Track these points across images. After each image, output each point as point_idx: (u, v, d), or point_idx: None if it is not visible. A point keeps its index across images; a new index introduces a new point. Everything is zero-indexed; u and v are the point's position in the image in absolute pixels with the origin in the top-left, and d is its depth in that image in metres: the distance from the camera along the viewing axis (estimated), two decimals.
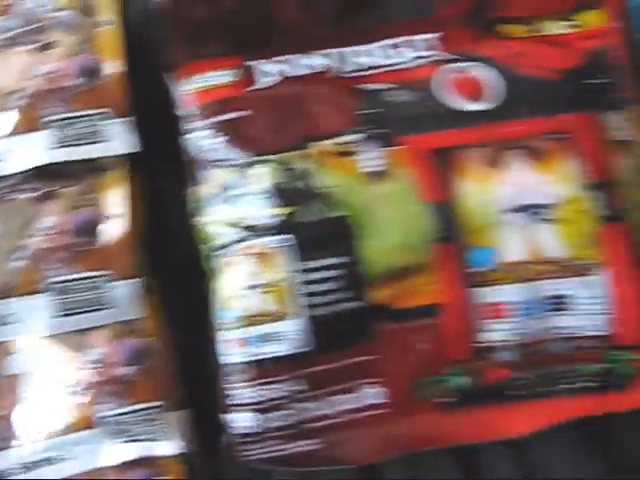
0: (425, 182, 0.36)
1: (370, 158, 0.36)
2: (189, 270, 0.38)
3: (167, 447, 0.35)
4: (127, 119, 0.37)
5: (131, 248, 0.36)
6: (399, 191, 0.36)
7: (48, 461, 0.34)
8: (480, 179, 0.36)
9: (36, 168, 0.36)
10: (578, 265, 0.36)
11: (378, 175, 0.36)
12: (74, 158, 0.36)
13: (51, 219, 0.36)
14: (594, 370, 0.36)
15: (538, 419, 0.36)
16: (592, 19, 0.40)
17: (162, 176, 0.39)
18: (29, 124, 0.37)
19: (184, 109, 0.38)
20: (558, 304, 0.36)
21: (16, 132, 0.37)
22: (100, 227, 0.36)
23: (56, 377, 0.35)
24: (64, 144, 0.36)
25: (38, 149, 0.36)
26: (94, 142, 0.36)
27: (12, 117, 0.37)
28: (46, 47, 0.37)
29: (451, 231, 0.36)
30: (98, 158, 0.37)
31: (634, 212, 0.37)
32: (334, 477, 0.36)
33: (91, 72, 0.37)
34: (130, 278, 0.35)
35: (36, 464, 0.35)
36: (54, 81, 0.37)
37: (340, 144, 0.36)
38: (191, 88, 0.37)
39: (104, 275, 0.35)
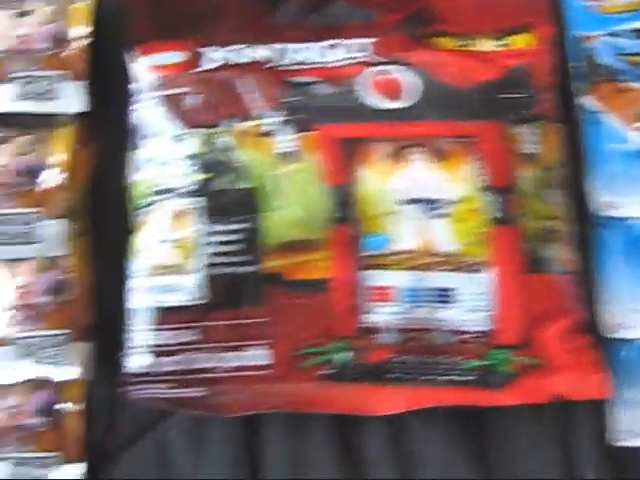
0: (330, 166, 0.39)
1: (285, 140, 0.40)
2: (120, 225, 0.42)
3: (66, 372, 0.39)
4: (82, 82, 0.42)
5: (65, 193, 0.40)
6: (304, 171, 0.39)
7: None
8: (381, 170, 0.39)
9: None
10: (466, 261, 0.38)
11: (289, 156, 0.39)
12: (30, 110, 0.41)
13: None
14: (474, 365, 0.38)
15: (412, 402, 0.38)
16: (521, 41, 0.42)
17: (110, 140, 0.43)
18: None
19: (136, 82, 0.42)
20: (443, 296, 0.38)
21: None
22: (40, 172, 0.41)
23: None
24: (24, 98, 0.41)
25: (2, 99, 0.42)
26: (49, 99, 0.41)
27: None
28: (25, 14, 0.43)
29: (348, 213, 0.39)
30: (52, 114, 0.42)
31: (528, 220, 0.39)
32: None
33: (59, 40, 0.43)
34: (59, 218, 0.40)
35: None
36: (25, 43, 0.42)
37: (260, 125, 0.40)
38: (145, 64, 0.42)
39: (36, 213, 0.40)
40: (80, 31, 0.43)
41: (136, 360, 0.38)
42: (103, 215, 0.43)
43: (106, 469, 0.40)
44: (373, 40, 0.42)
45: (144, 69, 0.42)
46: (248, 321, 0.38)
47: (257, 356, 0.38)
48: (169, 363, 0.38)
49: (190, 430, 0.40)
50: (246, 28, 0.43)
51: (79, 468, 0.39)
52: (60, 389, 0.39)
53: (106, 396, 0.40)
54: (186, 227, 0.39)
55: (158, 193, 0.40)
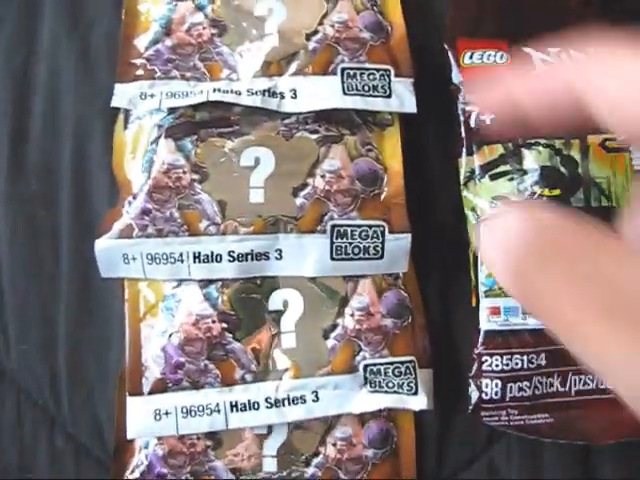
0: None
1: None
2: (446, 234, 0.38)
3: (416, 402, 0.36)
4: (409, 80, 0.37)
5: (404, 204, 0.36)
6: None
7: (301, 399, 0.35)
8: None
9: (322, 110, 0.36)
10: None
11: None
12: (359, 107, 0.36)
13: (334, 162, 0.36)
14: None
15: None
16: None
17: (428, 140, 0.39)
18: (322, 67, 0.37)
19: (457, 80, 0.38)
20: None
21: (308, 72, 0.37)
22: (378, 179, 0.36)
23: (318, 318, 0.36)
24: (351, 92, 0.36)
25: (329, 92, 0.36)
26: (377, 96, 0.37)
27: (306, 57, 0.37)
28: None
29: None
30: (379, 112, 0.37)
31: None
32: None
33: (377, 29, 0.38)
34: (403, 232, 0.36)
35: (285, 401, 0.35)
36: (345, 31, 0.37)
37: (611, 140, 0.38)
38: (466, 62, 0.38)
39: (381, 226, 0.36)
40: (394, 20, 0.38)
41: (486, 385, 0.36)
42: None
43: None
44: None
45: (465, 67, 0.38)
46: None
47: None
48: (517, 388, 0.36)
49: (521, 454, 0.38)
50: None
51: None
52: (393, 418, 0.36)
53: (434, 421, 0.38)
54: None
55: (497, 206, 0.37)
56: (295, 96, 0.36)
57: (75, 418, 0.38)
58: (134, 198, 0.36)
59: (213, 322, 0.35)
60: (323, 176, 0.36)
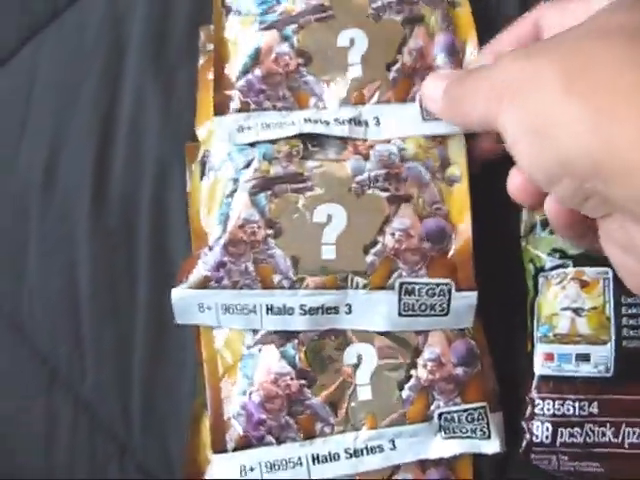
0: None
1: None
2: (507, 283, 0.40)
3: (489, 446, 0.37)
4: None
5: (471, 260, 0.37)
6: None
7: (379, 448, 0.37)
8: None
9: (389, 164, 0.37)
10: None
11: None
12: (438, 132, 0.38)
13: (404, 221, 0.37)
14: None
15: None
16: None
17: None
18: (403, 94, 0.38)
19: None
20: None
21: (390, 100, 0.38)
22: (447, 236, 0.37)
23: (392, 370, 0.37)
24: (430, 119, 0.38)
25: (412, 118, 0.38)
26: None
27: (387, 86, 0.38)
28: (411, 21, 0.39)
29: None
30: (447, 167, 0.38)
31: None
32: None
33: (452, 51, 0.38)
34: (470, 290, 0.37)
35: (363, 450, 0.37)
36: (421, 60, 0.39)
37: None
38: None
39: (448, 284, 0.37)
40: (470, 40, 0.39)
41: (537, 428, 0.38)
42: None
43: None
44: None
45: None
46: None
47: None
48: (568, 434, 0.38)
49: None
50: None
51: None
52: (451, 465, 0.38)
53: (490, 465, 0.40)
54: (594, 296, 0.38)
55: (559, 259, 0.38)
56: (378, 123, 0.37)
57: (146, 449, 0.40)
58: (210, 250, 0.37)
59: (291, 379, 0.36)
60: (393, 234, 0.37)
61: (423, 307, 0.37)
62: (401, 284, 0.36)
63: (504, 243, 0.40)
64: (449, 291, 0.37)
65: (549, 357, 0.39)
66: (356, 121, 0.37)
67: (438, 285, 0.37)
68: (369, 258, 0.37)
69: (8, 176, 0.42)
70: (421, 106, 0.38)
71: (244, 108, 0.38)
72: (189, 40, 0.42)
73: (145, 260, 0.41)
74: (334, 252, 0.37)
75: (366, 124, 0.37)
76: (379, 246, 0.37)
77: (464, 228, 0.38)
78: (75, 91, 0.42)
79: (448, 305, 0.37)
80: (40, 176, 0.42)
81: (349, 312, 0.37)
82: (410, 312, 0.37)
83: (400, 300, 0.37)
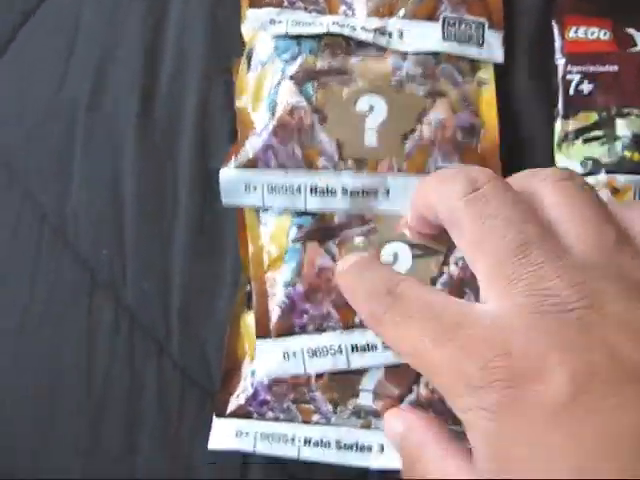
0: None
1: None
2: None
3: None
4: (499, 32, 0.42)
5: (498, 160, 0.40)
6: None
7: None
8: None
9: (425, 64, 0.41)
10: None
11: None
12: (456, 53, 0.41)
13: (439, 113, 0.40)
14: None
15: None
16: None
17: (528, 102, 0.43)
18: (428, 13, 0.42)
19: (560, 52, 0.43)
20: None
21: (415, 17, 0.42)
22: (477, 132, 0.40)
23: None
24: (450, 39, 0.41)
25: (433, 36, 0.41)
26: (472, 45, 0.41)
27: (414, 3, 0.42)
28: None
29: None
30: (477, 71, 0.41)
31: None
32: None
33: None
34: None
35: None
36: None
37: None
38: (571, 36, 0.43)
39: None
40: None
41: None
42: None
43: None
44: None
45: (568, 41, 0.43)
46: None
47: None
48: None
49: None
50: None
51: None
52: None
53: None
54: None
55: (589, 167, 0.41)
56: (401, 37, 0.41)
57: (184, 349, 0.40)
58: (258, 135, 0.39)
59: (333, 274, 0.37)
60: (429, 124, 0.39)
61: None
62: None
63: (536, 151, 0.42)
64: None
65: None
66: (381, 31, 0.41)
67: None
68: (407, 145, 0.39)
69: (56, 93, 0.44)
70: (443, 26, 0.42)
71: (277, 4, 0.41)
72: None
73: (188, 172, 0.42)
74: (375, 139, 0.39)
75: (390, 35, 0.41)
76: (417, 134, 0.39)
77: (492, 125, 0.41)
78: (123, 10, 0.45)
79: None
80: (87, 94, 0.43)
81: (387, 196, 0.39)
82: None
83: None
